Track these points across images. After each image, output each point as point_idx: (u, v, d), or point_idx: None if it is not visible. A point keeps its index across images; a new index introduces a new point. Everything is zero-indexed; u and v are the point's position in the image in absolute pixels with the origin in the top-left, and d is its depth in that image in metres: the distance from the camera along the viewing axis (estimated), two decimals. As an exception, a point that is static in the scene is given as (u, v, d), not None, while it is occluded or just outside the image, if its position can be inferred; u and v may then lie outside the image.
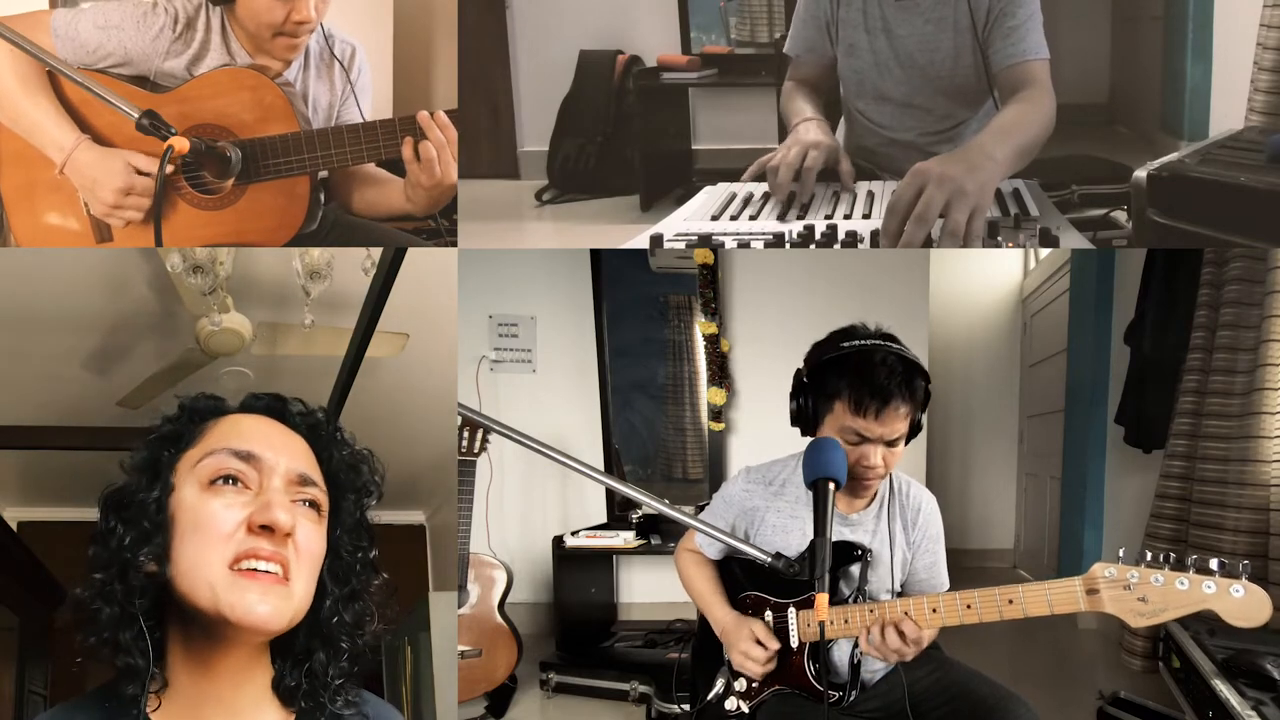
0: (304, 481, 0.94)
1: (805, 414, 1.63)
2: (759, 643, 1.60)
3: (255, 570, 0.87)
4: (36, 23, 1.95)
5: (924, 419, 1.62)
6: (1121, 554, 1.31)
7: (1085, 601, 1.33)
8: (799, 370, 1.65)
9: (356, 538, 0.99)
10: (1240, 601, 1.21)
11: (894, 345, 1.58)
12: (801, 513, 1.67)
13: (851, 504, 1.68)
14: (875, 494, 1.69)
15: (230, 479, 0.91)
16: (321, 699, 0.95)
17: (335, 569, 0.96)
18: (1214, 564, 1.24)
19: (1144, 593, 1.26)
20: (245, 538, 0.88)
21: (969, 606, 1.45)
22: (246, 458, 0.92)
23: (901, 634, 1.49)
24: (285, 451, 0.95)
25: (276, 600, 0.88)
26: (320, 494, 0.96)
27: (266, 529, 0.88)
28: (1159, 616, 1.27)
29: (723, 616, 1.69)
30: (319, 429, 1.00)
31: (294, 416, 1.00)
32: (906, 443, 1.62)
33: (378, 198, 2.16)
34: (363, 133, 1.96)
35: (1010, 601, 1.40)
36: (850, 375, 1.54)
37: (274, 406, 1.00)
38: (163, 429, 0.96)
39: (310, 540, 0.92)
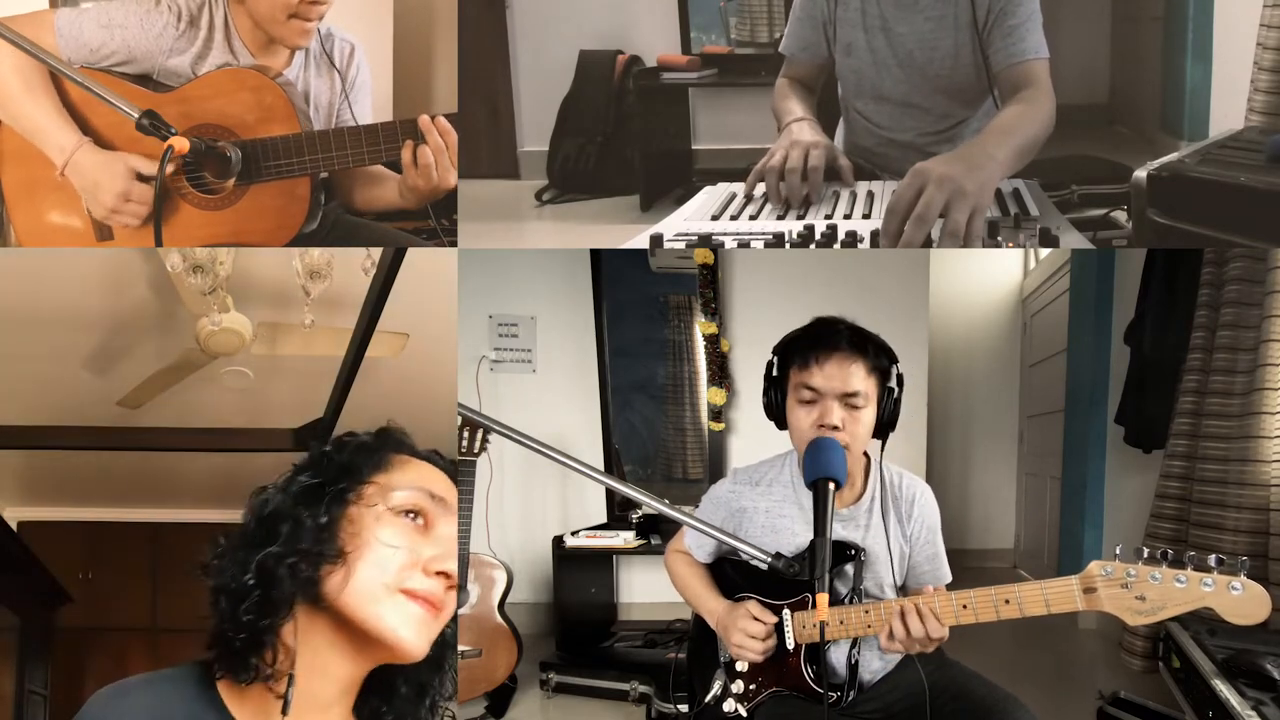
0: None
1: (773, 402, 1.66)
2: (756, 619, 1.59)
3: (423, 598, 0.93)
4: (40, 23, 1.95)
5: (898, 394, 1.62)
6: (1119, 551, 1.30)
7: (1083, 600, 1.32)
8: (768, 363, 1.68)
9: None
10: (1238, 599, 1.20)
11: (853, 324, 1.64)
12: (790, 511, 1.67)
13: (841, 496, 1.65)
14: (866, 487, 1.69)
15: (416, 514, 0.97)
16: None
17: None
18: (1212, 561, 1.24)
19: (1142, 590, 1.26)
20: (421, 578, 0.94)
21: (965, 606, 1.44)
22: (439, 501, 0.99)
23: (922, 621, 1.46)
24: (453, 511, 1.02)
25: (427, 633, 0.94)
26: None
27: (441, 574, 0.95)
28: (1157, 615, 1.26)
29: (715, 606, 1.68)
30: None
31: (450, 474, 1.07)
32: (885, 431, 1.62)
33: (376, 193, 2.17)
34: (364, 135, 1.96)
35: (1007, 601, 1.40)
36: (802, 338, 1.63)
37: (444, 465, 1.07)
38: (348, 451, 1.00)
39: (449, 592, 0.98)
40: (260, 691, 0.92)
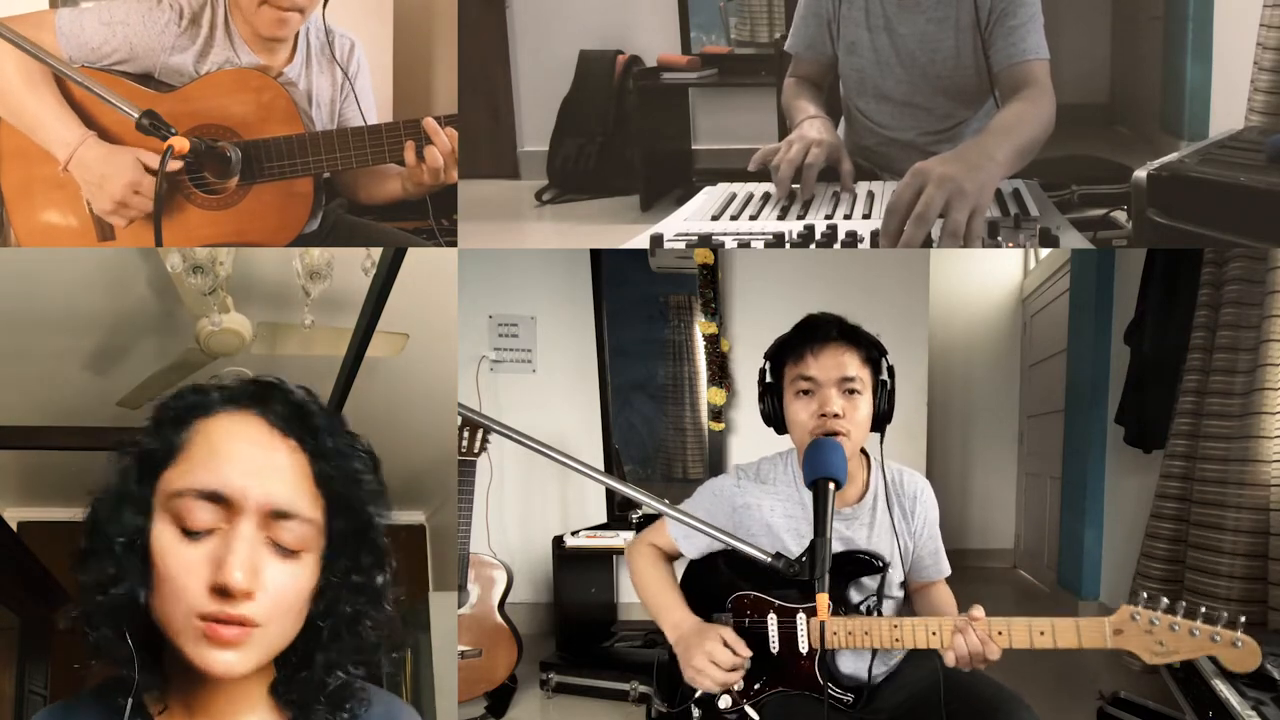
0: (279, 515, 0.86)
1: (770, 407, 1.66)
2: (728, 646, 1.52)
3: (217, 627, 0.83)
4: (41, 22, 1.95)
5: (891, 385, 1.62)
6: (1145, 597, 1.42)
7: (1111, 640, 1.42)
8: (761, 369, 1.68)
9: (353, 558, 0.91)
10: (1239, 653, 1.37)
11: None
12: (795, 511, 1.66)
13: (843, 495, 1.65)
14: (868, 485, 1.69)
15: (203, 531, 0.84)
16: (315, 712, 0.92)
17: (324, 595, 0.90)
18: (1222, 617, 1.37)
19: (1162, 637, 1.40)
20: (207, 599, 0.83)
21: (1000, 633, 1.47)
22: (214, 499, 0.84)
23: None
24: (261, 478, 0.86)
25: (241, 651, 0.84)
26: (300, 527, 0.87)
27: (216, 590, 0.83)
28: (1171, 657, 1.41)
29: (682, 619, 1.61)
30: (314, 434, 0.90)
31: (280, 417, 0.89)
32: (881, 425, 1.62)
33: (380, 188, 2.18)
34: (366, 136, 1.96)
35: (1042, 633, 1.45)
36: (793, 334, 1.65)
37: (260, 395, 0.89)
38: (135, 450, 0.88)
39: (283, 582, 0.85)
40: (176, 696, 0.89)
